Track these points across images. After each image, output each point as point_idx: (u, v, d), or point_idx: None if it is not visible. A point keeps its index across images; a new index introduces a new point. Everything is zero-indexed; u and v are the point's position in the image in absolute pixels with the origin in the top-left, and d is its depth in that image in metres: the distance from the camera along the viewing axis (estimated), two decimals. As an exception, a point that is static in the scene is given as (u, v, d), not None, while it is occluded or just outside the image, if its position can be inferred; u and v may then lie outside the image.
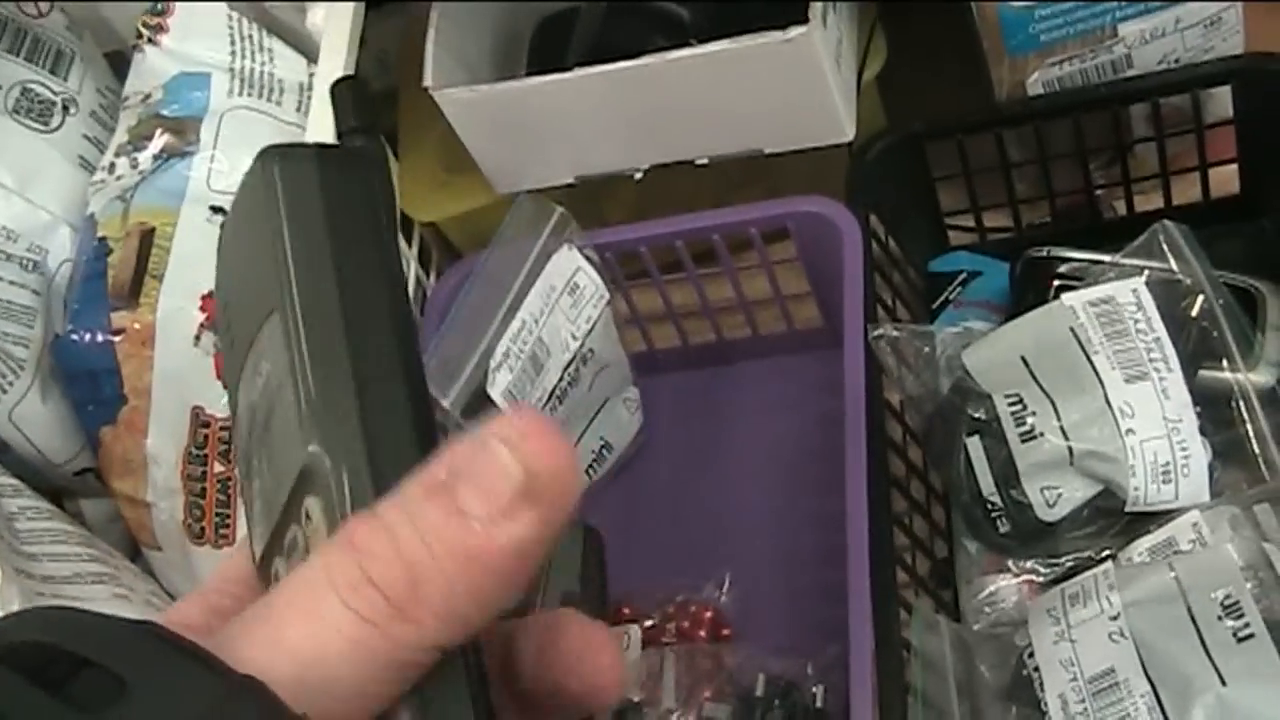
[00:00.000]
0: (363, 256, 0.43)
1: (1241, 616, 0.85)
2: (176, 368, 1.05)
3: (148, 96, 1.14)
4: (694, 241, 1.16)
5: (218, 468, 1.04)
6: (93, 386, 1.06)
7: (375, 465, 0.41)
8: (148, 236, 1.06)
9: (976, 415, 1.00)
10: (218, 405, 1.05)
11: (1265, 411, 1.01)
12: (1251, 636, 0.84)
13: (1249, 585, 0.87)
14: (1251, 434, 1.00)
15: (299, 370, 0.41)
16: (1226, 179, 1.17)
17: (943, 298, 1.19)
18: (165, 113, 1.12)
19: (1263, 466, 0.99)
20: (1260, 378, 1.03)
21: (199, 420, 1.04)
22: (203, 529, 1.06)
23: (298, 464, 0.41)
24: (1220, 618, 0.86)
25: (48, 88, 1.17)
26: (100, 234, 1.08)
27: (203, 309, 1.04)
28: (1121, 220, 1.19)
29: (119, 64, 1.24)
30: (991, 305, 1.16)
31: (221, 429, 1.04)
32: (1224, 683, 0.83)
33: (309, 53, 1.14)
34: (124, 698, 0.35)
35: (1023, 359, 1.00)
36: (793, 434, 1.19)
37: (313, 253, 0.42)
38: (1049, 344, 0.99)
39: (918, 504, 1.04)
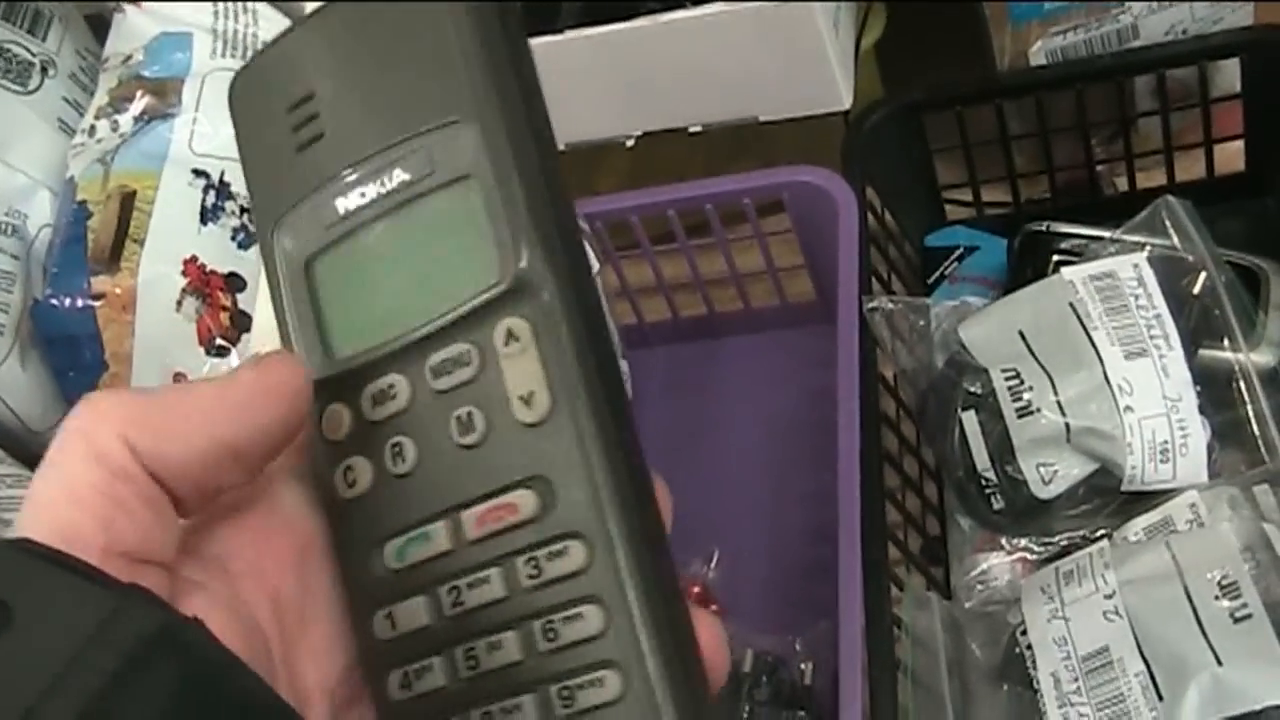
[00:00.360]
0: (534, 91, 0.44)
1: (1239, 597, 0.84)
2: (158, 333, 1.03)
3: (128, 58, 1.12)
4: (686, 212, 1.14)
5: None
6: (73, 352, 1.04)
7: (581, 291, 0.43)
8: (128, 200, 1.04)
9: (972, 389, 0.98)
10: (200, 372, 1.02)
11: (1266, 392, 0.99)
12: (1249, 617, 0.83)
13: (1247, 566, 0.85)
14: (1251, 415, 0.98)
15: (511, 189, 0.42)
16: (1232, 156, 1.15)
17: (938, 273, 1.17)
18: (146, 74, 1.10)
19: (1262, 448, 0.98)
20: (1262, 358, 1.01)
21: (180, 386, 1.02)
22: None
23: (489, 280, 0.42)
24: (1217, 598, 0.84)
25: (25, 49, 1.14)
26: (80, 197, 1.06)
27: (185, 274, 1.02)
28: (1122, 197, 1.17)
29: (99, 27, 1.22)
30: (988, 281, 1.15)
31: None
32: (1220, 663, 0.81)
33: (293, 14, 1.12)
34: (10, 624, 0.34)
35: (1020, 333, 0.98)
36: (784, 409, 1.17)
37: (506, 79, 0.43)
38: (1047, 319, 0.98)
39: (910, 480, 1.02)
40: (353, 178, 0.44)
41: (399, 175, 0.44)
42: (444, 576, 0.44)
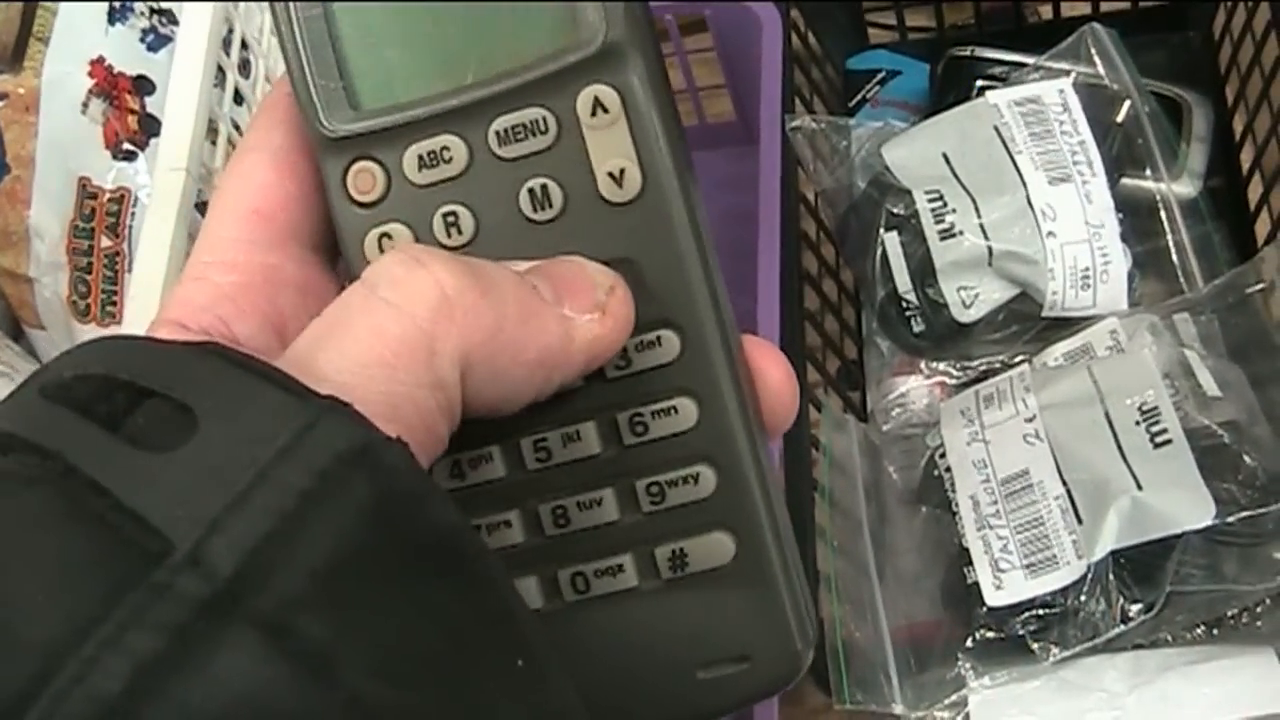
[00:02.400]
0: None
1: (1159, 423, 0.84)
2: (62, 136, 0.99)
3: None
4: (607, 28, 1.12)
5: (105, 242, 0.99)
6: (-29, 153, 1.01)
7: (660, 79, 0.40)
8: (33, -4, 1.01)
9: (895, 210, 0.97)
10: (106, 177, 0.99)
11: (1186, 222, 0.99)
12: (1169, 443, 0.83)
13: (1167, 392, 0.85)
14: (1172, 244, 0.99)
15: None
16: (1157, -13, 1.14)
17: (859, 96, 1.16)
18: None
19: (1181, 278, 0.98)
20: (1183, 188, 1.01)
21: (86, 192, 0.99)
22: (88, 306, 1.01)
23: (575, 42, 0.39)
24: (1138, 423, 0.84)
25: None
26: (-22, -7, 1.02)
27: (91, 74, 0.99)
28: (1046, 25, 1.16)
29: None
30: (909, 105, 1.14)
31: (110, 201, 0.99)
32: (1140, 487, 0.82)
33: None
34: (195, 431, 0.31)
35: (944, 156, 0.97)
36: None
37: None
38: (972, 141, 0.97)
39: (829, 302, 1.02)
40: None
41: None
42: None
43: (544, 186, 0.40)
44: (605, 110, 0.39)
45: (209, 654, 0.28)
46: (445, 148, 0.40)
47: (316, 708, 0.29)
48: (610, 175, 0.39)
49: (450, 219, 0.40)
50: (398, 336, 0.35)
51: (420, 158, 0.40)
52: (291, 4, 0.40)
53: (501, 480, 0.41)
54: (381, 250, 0.41)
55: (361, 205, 0.41)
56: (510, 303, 0.37)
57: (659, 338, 0.40)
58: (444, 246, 0.40)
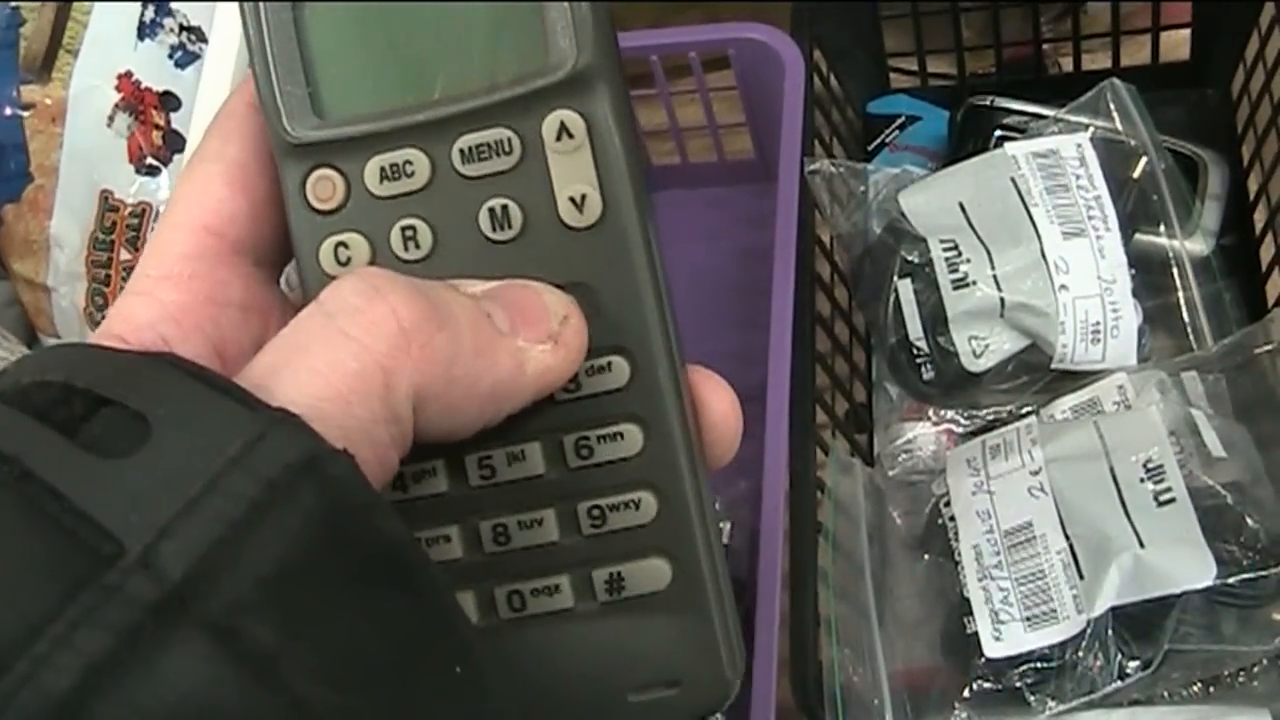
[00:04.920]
0: None
1: (1163, 480, 0.84)
2: (86, 147, 1.00)
3: None
4: (631, 62, 1.12)
5: (124, 255, 1.00)
6: (-2, 161, 1.02)
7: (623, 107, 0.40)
8: (64, 9, 1.02)
9: (910, 258, 0.97)
10: (128, 190, 1.00)
11: (1198, 280, 1.00)
12: (1172, 501, 0.84)
13: (1172, 450, 0.86)
14: (1183, 301, 0.99)
15: None
16: (1177, 43, 1.15)
17: (879, 140, 1.17)
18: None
19: (1191, 335, 0.99)
20: (1196, 246, 1.02)
21: (107, 204, 1.00)
22: (104, 318, 1.02)
23: (544, 66, 0.39)
24: (1142, 480, 0.85)
25: None
26: (13, 3, 1.03)
27: (118, 88, 1.00)
28: (1066, 77, 1.17)
29: None
30: (928, 151, 1.14)
31: (131, 215, 1.00)
32: (1142, 545, 0.82)
33: None
34: (149, 439, 0.32)
35: (961, 205, 0.98)
36: (716, 266, 1.16)
37: None
38: (989, 192, 0.97)
39: (840, 344, 1.02)
40: None
41: None
42: None
43: (505, 207, 0.40)
44: (570, 135, 0.40)
45: (158, 654, 0.29)
46: (408, 161, 0.40)
47: (261, 709, 0.30)
48: (571, 200, 0.40)
49: (409, 232, 0.41)
50: (355, 372, 0.35)
51: (382, 169, 0.40)
52: (261, 4, 0.40)
53: (444, 495, 0.41)
54: (337, 259, 0.41)
55: (320, 213, 0.41)
56: (466, 336, 0.37)
57: (610, 364, 0.41)
58: (400, 260, 0.41)
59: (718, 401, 0.43)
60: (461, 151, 0.40)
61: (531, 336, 0.38)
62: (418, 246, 0.41)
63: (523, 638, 0.42)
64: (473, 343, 0.37)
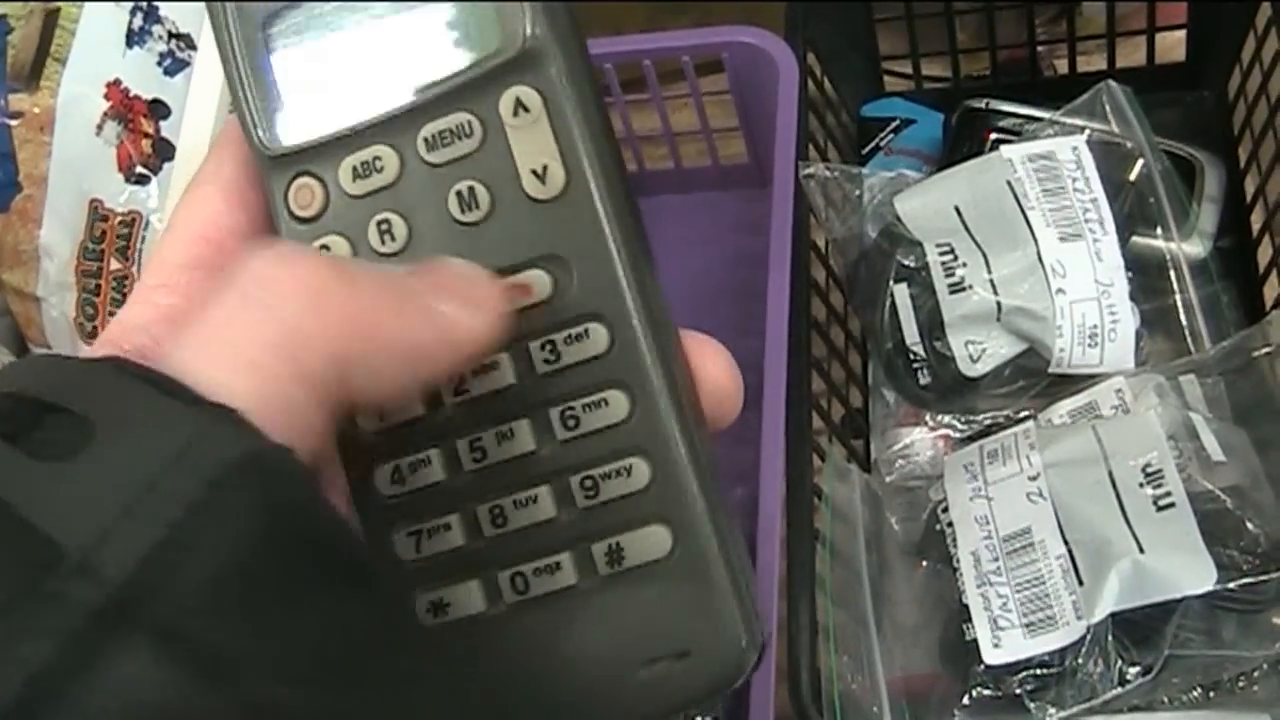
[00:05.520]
0: None
1: (1162, 485, 0.84)
2: (75, 157, 1.00)
3: None
4: (623, 66, 1.12)
5: (114, 264, 0.99)
6: (-15, 171, 1.01)
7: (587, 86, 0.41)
8: (52, 17, 1.01)
9: (906, 262, 0.97)
10: (118, 199, 0.99)
11: (1195, 283, 1.00)
12: (1172, 505, 0.83)
13: (1171, 454, 0.85)
14: (1180, 304, 0.99)
15: None
16: (1173, 45, 1.15)
17: (874, 143, 1.16)
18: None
19: (1189, 338, 0.98)
20: (1193, 248, 1.01)
21: (97, 214, 1.00)
22: (95, 328, 1.01)
23: (493, 47, 0.40)
24: (1141, 485, 0.84)
25: None
26: (0, 12, 1.02)
27: (107, 97, 0.99)
28: (1061, 79, 1.16)
29: None
30: (923, 155, 1.14)
31: (120, 224, 0.99)
32: (1142, 550, 0.81)
33: None
34: (92, 441, 0.32)
35: (957, 209, 0.97)
36: (711, 271, 1.15)
37: None
38: (985, 195, 0.97)
39: (836, 349, 1.02)
40: None
41: None
42: None
43: (471, 189, 0.41)
44: (526, 110, 0.40)
45: (102, 661, 0.29)
46: (377, 158, 0.41)
47: (211, 712, 0.30)
48: (534, 173, 0.40)
49: (384, 227, 0.41)
50: (267, 336, 0.35)
51: (354, 169, 0.41)
52: (229, 30, 0.41)
53: (441, 484, 0.42)
54: None
55: (303, 220, 0.42)
56: (379, 298, 0.37)
57: (586, 330, 0.41)
58: (379, 254, 0.41)
59: (712, 364, 0.43)
60: (425, 140, 0.41)
61: (450, 301, 0.38)
62: (394, 239, 0.41)
63: (531, 620, 0.42)
64: (387, 304, 0.37)
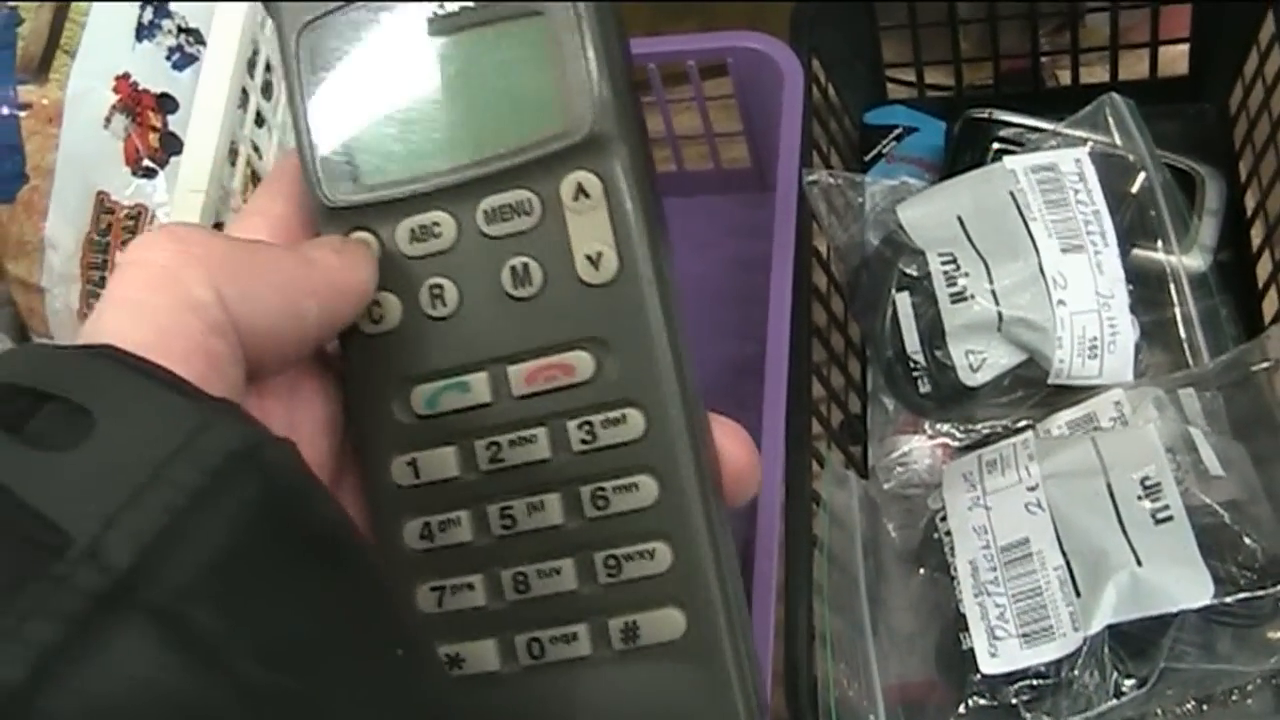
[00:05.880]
0: None
1: (1161, 498, 0.84)
2: (83, 150, 0.99)
3: None
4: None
5: (119, 257, 0.99)
6: (-7, 162, 1.01)
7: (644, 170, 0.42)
8: (61, 10, 1.01)
9: (908, 271, 0.97)
10: (124, 193, 0.99)
11: (1195, 296, 1.00)
12: (1170, 519, 0.83)
13: (1170, 467, 0.86)
14: (1179, 317, 0.99)
15: (596, 57, 0.40)
16: (1175, 58, 1.15)
17: (875, 150, 1.16)
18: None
19: (1187, 351, 0.99)
20: (1193, 261, 1.02)
21: (103, 206, 0.99)
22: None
23: (561, 129, 0.41)
24: (1140, 497, 0.85)
25: None
26: (10, 4, 1.02)
27: (116, 90, 0.99)
28: (1063, 90, 1.17)
29: None
30: (924, 163, 1.14)
31: (126, 217, 0.99)
32: (1139, 562, 0.82)
33: None
34: (92, 432, 0.33)
35: (959, 219, 0.98)
36: (712, 275, 1.15)
37: None
38: (987, 206, 0.97)
39: (835, 356, 1.02)
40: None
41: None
42: (481, 430, 0.43)
43: (525, 265, 0.42)
44: (587, 196, 0.41)
45: (106, 642, 0.30)
46: (436, 223, 0.42)
47: (208, 693, 0.31)
48: (588, 258, 0.41)
49: (436, 291, 0.42)
50: (146, 279, 0.37)
51: (413, 231, 0.42)
52: (301, 78, 0.42)
53: (468, 545, 0.43)
54: (371, 319, 0.43)
55: None
56: (247, 243, 0.40)
57: (624, 415, 0.42)
58: (428, 316, 0.42)
59: (734, 446, 0.44)
60: (485, 212, 0.42)
61: (317, 247, 0.41)
62: (444, 304, 0.42)
63: (542, 684, 0.43)
64: (252, 244, 0.40)
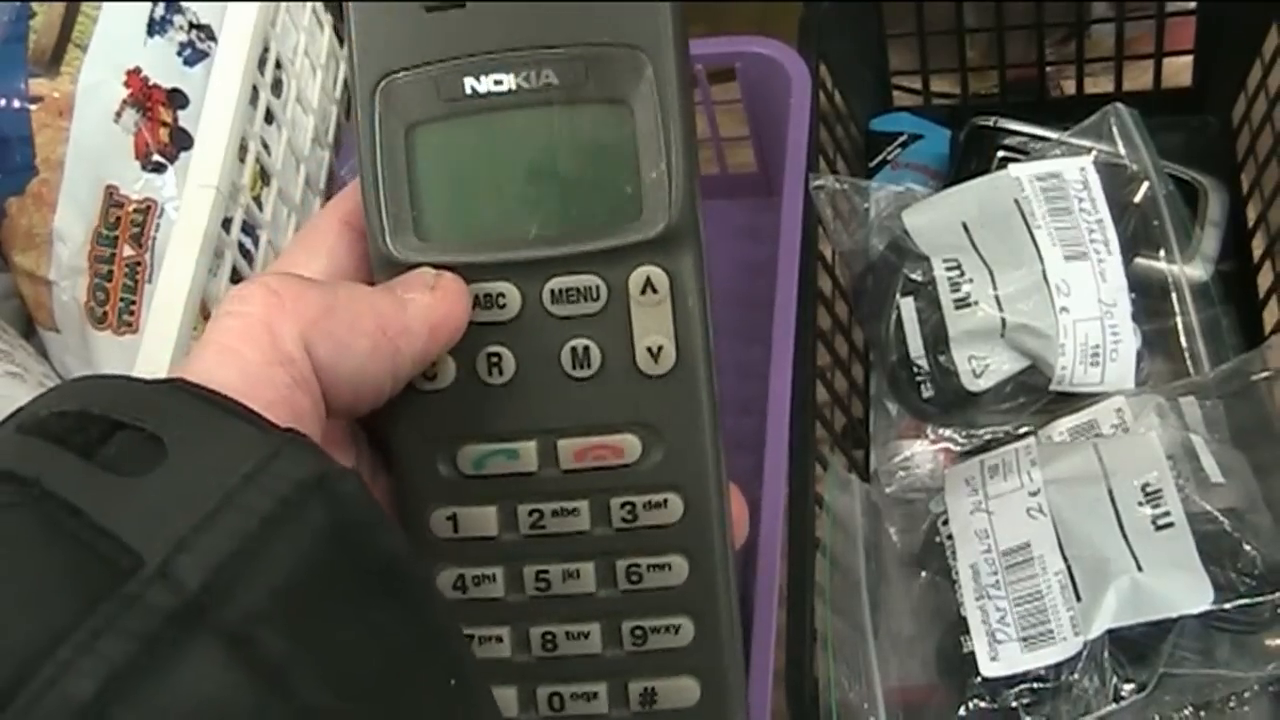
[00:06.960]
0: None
1: (1161, 504, 0.85)
2: (93, 143, 1.00)
3: None
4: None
5: (127, 251, 1.00)
6: (3, 154, 1.01)
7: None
8: (74, 4, 1.01)
9: (913, 276, 0.98)
10: (133, 187, 1.00)
11: (1196, 305, 1.00)
12: (1170, 525, 0.84)
13: (1171, 474, 0.86)
14: (1181, 327, 1.00)
15: (677, 155, 0.42)
16: (1179, 69, 1.15)
17: (881, 157, 1.17)
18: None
19: (1189, 360, 0.99)
20: (1195, 271, 1.02)
21: (112, 200, 1.00)
22: (105, 313, 1.02)
23: (637, 221, 0.42)
24: (1141, 504, 0.85)
25: None
26: (25, -2, 1.03)
27: (127, 84, 0.99)
28: (1069, 100, 1.17)
29: None
30: (929, 170, 1.15)
31: (135, 211, 0.99)
32: (1140, 568, 0.82)
33: None
34: (164, 459, 0.34)
35: (964, 225, 0.98)
36: (717, 278, 1.13)
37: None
38: (992, 213, 0.98)
39: (839, 360, 1.02)
40: (492, 61, 0.42)
41: (548, 76, 0.42)
42: (524, 494, 0.44)
43: (586, 348, 0.43)
44: (655, 290, 0.42)
45: (175, 661, 0.31)
46: (501, 294, 0.43)
47: (271, 714, 0.32)
48: (649, 350, 0.43)
49: (494, 359, 0.43)
50: (239, 329, 0.38)
51: (478, 298, 0.43)
52: (378, 128, 0.42)
53: (500, 600, 0.44)
54: (425, 377, 0.44)
55: None
56: (338, 289, 0.41)
57: (665, 500, 0.44)
58: (484, 383, 0.43)
59: (735, 509, 0.46)
60: (552, 292, 0.43)
61: (408, 289, 0.42)
62: (501, 372, 0.43)
63: None
64: (347, 293, 0.41)
